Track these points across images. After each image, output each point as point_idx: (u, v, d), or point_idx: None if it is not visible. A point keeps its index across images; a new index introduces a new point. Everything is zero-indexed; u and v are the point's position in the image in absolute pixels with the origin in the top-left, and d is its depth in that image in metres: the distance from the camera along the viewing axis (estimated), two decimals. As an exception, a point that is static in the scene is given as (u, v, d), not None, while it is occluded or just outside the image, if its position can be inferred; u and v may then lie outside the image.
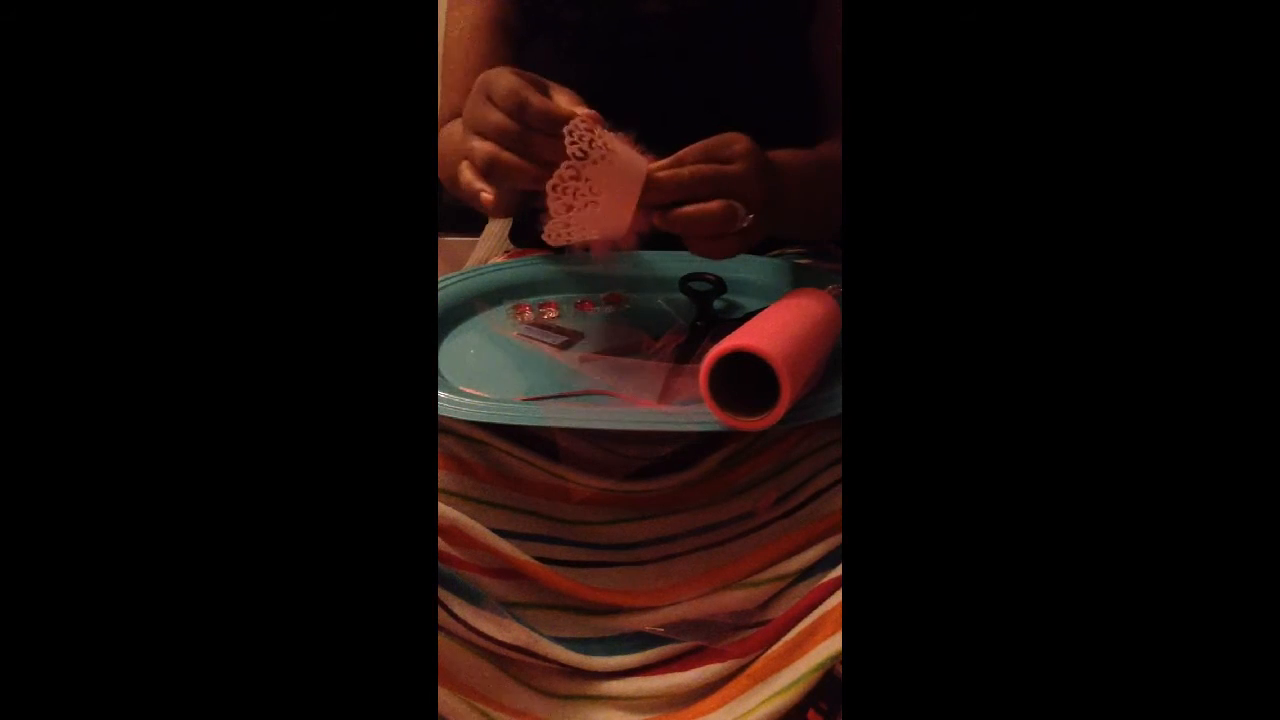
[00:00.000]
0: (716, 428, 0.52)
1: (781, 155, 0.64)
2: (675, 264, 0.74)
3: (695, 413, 0.53)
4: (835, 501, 0.56)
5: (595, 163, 0.53)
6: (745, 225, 0.57)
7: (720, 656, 0.55)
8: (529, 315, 0.70)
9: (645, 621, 0.56)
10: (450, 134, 0.83)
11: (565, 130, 0.52)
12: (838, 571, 0.53)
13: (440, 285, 0.71)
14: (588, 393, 0.59)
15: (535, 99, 0.53)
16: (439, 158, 0.83)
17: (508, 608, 0.55)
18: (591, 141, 0.52)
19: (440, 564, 0.53)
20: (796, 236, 0.82)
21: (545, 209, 0.54)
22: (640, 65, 0.77)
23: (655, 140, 0.57)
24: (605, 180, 0.53)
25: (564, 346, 0.65)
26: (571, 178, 0.53)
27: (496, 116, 0.54)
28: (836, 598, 0.52)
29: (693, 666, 0.55)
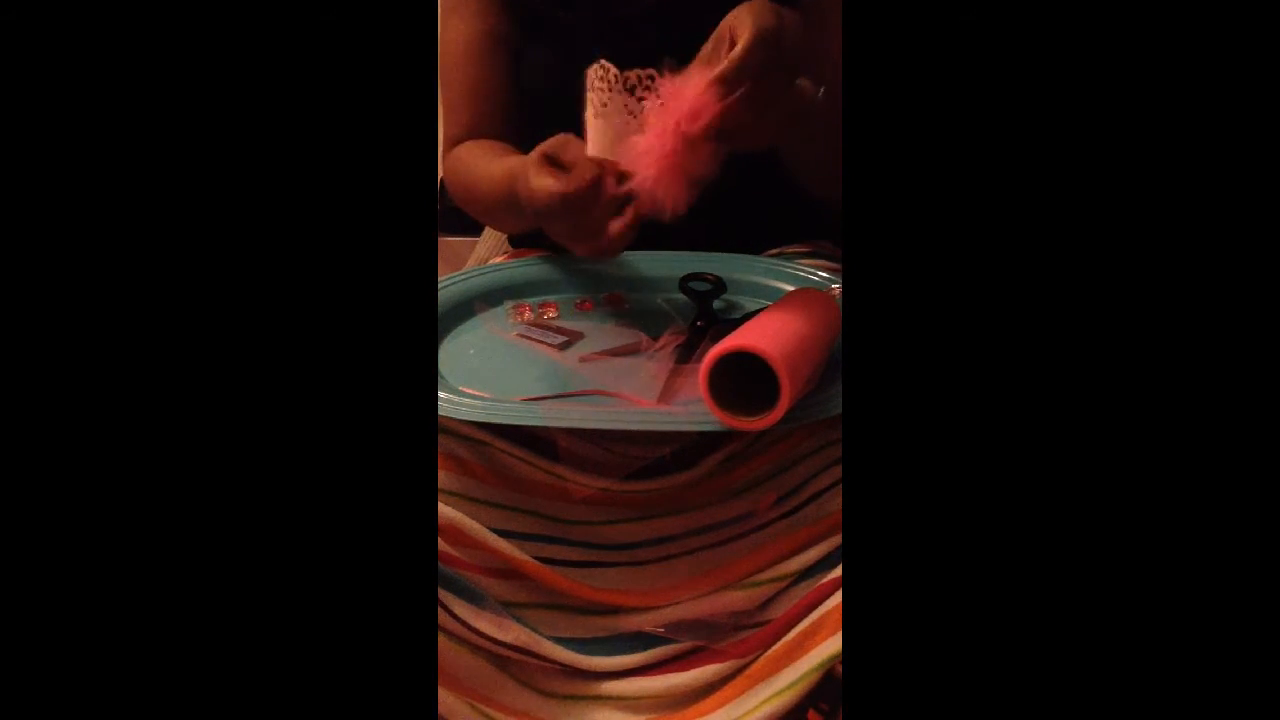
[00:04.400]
0: (716, 428, 0.52)
1: None
2: (675, 264, 0.74)
3: (695, 413, 0.53)
4: (835, 501, 0.56)
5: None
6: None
7: (720, 657, 0.55)
8: (529, 315, 0.70)
9: (645, 621, 0.56)
10: (460, 159, 0.83)
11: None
12: (838, 572, 0.53)
13: (440, 285, 0.71)
14: (588, 393, 0.59)
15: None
16: (454, 183, 0.83)
17: (508, 608, 0.55)
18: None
19: (440, 564, 0.53)
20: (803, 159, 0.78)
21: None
22: (635, 63, 0.77)
23: None
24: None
25: (564, 346, 0.65)
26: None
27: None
28: (836, 598, 0.52)
29: (692, 667, 0.55)
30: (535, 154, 0.64)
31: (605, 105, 0.58)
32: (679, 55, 0.79)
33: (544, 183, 0.60)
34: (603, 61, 0.59)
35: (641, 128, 0.57)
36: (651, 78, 0.57)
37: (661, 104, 0.55)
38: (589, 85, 0.60)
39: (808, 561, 0.55)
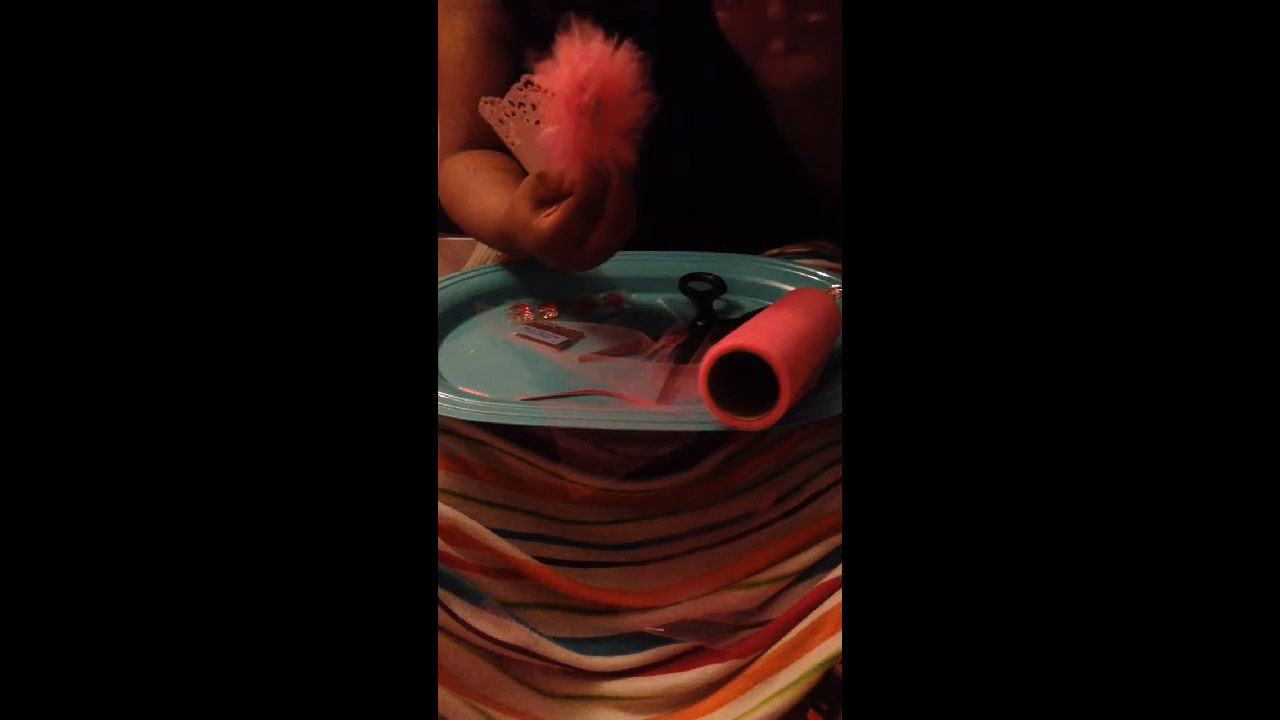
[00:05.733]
0: (716, 428, 0.52)
1: None
2: (675, 264, 0.74)
3: (695, 413, 0.53)
4: (835, 501, 0.56)
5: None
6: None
7: (720, 657, 0.55)
8: (529, 315, 0.70)
9: (645, 621, 0.56)
10: (453, 177, 0.82)
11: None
12: (838, 572, 0.53)
13: (440, 285, 0.71)
14: (588, 393, 0.59)
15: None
16: (445, 200, 0.82)
17: (508, 608, 0.55)
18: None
19: (440, 564, 0.53)
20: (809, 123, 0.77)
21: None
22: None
23: (648, 136, 0.58)
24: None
25: (564, 346, 0.65)
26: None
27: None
28: (836, 598, 0.52)
29: (692, 667, 0.55)
30: (523, 205, 0.64)
31: (519, 127, 0.61)
32: (672, 50, 0.79)
33: (544, 221, 0.61)
34: (490, 100, 0.61)
35: (543, 123, 0.59)
36: (527, 82, 0.59)
37: (546, 93, 0.58)
38: (494, 126, 0.62)
39: (808, 561, 0.55)
